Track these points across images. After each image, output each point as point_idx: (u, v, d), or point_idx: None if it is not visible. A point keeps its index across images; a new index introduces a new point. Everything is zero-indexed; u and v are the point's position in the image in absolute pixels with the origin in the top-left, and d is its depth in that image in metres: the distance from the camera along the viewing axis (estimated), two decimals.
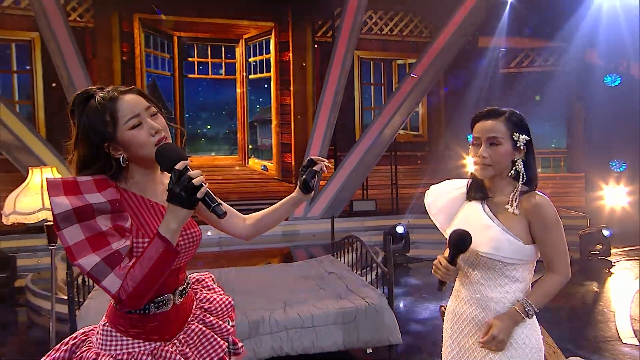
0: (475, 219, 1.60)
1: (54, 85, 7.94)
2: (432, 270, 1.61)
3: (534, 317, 1.58)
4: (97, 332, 1.43)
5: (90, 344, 1.42)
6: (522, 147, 1.56)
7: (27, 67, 8.43)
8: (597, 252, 6.64)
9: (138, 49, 9.14)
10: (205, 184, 1.23)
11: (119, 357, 1.35)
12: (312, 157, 1.60)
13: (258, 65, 9.94)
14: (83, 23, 8.70)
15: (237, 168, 9.96)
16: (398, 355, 3.56)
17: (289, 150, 9.83)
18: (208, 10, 9.14)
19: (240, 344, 1.65)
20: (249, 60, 9.92)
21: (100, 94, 1.33)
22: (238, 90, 9.94)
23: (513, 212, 1.55)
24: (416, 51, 8.89)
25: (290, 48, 9.66)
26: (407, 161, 9.17)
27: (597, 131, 8.29)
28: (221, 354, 1.50)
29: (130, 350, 1.37)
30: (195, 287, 1.64)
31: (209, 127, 9.99)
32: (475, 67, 8.93)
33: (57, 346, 1.44)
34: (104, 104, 1.31)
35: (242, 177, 9.90)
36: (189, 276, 1.65)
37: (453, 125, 9.21)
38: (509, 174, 1.58)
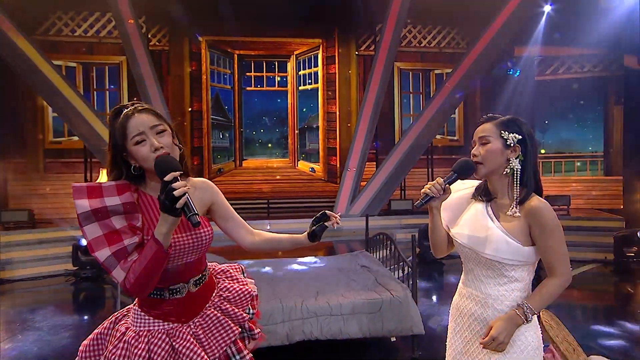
0: (478, 220, 1.53)
1: (135, 99, 8.44)
2: (426, 187, 1.54)
3: (534, 317, 1.51)
4: (131, 311, 1.53)
5: (126, 319, 1.52)
6: (512, 145, 1.47)
7: (116, 86, 9.07)
8: (632, 254, 6.16)
9: (204, 66, 9.52)
10: (186, 195, 1.24)
11: (141, 332, 1.44)
12: (327, 211, 1.59)
13: (307, 77, 10.06)
14: (160, 46, 9.20)
15: (288, 170, 10.11)
16: (421, 345, 3.50)
17: (334, 154, 9.87)
18: (264, 31, 9.36)
19: (257, 330, 1.65)
20: (299, 73, 10.05)
21: (125, 111, 1.39)
22: (289, 100, 10.10)
23: (513, 215, 1.47)
24: (452, 61, 8.63)
25: (336, 61, 9.70)
26: (444, 164, 8.93)
27: (636, 135, 7.65)
28: (233, 339, 1.51)
29: (149, 327, 1.44)
30: (219, 277, 1.66)
31: (263, 132, 10.23)
32: (510, 74, 8.53)
33: (107, 319, 1.56)
34: (122, 120, 1.37)
35: (292, 177, 10.04)
36: (213, 267, 1.69)
37: None
38: (504, 172, 1.50)
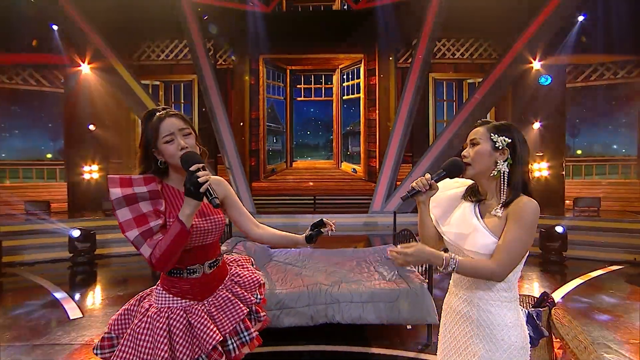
0: (465, 219, 1.41)
1: (203, 109, 8.92)
2: (414, 182, 1.42)
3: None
4: (153, 291, 1.55)
5: (149, 298, 1.55)
6: (500, 147, 1.34)
7: (189, 99, 9.58)
8: None
9: (261, 80, 9.79)
10: (208, 182, 1.30)
11: (162, 308, 1.46)
12: (324, 219, 1.57)
13: (350, 88, 10.01)
14: (226, 65, 9.59)
15: (332, 170, 10.14)
16: (434, 333, 3.37)
17: (374, 156, 9.75)
18: (313, 48, 9.47)
19: (263, 314, 1.66)
20: (343, 84, 10.03)
21: (157, 114, 1.45)
22: (334, 109, 10.12)
23: (497, 216, 1.34)
24: (484, 71, 8.19)
25: (376, 74, 9.56)
26: None
27: None
28: (242, 317, 1.53)
29: (169, 304, 1.48)
30: (231, 264, 1.68)
31: (311, 136, 10.33)
32: (541, 82, 7.91)
33: (133, 297, 1.58)
34: (154, 122, 1.43)
35: (336, 177, 10.07)
36: (226, 257, 1.70)
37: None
38: (492, 174, 1.36)
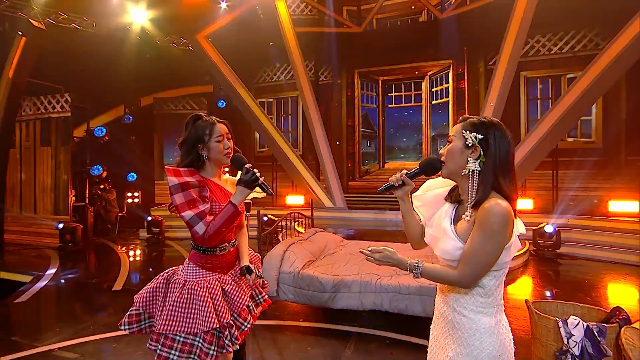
0: (439, 221, 1.27)
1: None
2: (392, 176, 1.35)
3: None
4: (183, 268, 1.61)
5: (178, 276, 1.61)
6: (470, 145, 1.16)
7: (294, 112, 10.40)
8: None
9: (356, 91, 9.99)
10: (261, 176, 1.47)
11: (199, 281, 1.55)
12: (250, 266, 1.64)
13: (439, 93, 9.46)
14: (326, 81, 10.08)
15: None
16: None
17: None
18: (402, 59, 9.26)
19: (264, 295, 1.81)
20: (432, 90, 9.55)
21: (204, 118, 1.59)
22: (423, 113, 9.71)
23: (467, 219, 1.18)
24: (587, 64, 6.81)
25: (465, 77, 8.83)
26: (576, 167, 7.16)
27: None
28: (257, 283, 1.72)
29: (205, 277, 1.57)
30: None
31: (401, 140, 10.12)
32: None
33: (160, 275, 1.63)
34: (206, 125, 1.56)
35: (425, 177, 9.63)
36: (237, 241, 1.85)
37: (636, 133, 6.68)
38: (463, 173, 1.19)
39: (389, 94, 9.99)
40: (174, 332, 1.46)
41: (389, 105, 10.04)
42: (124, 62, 8.00)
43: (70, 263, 5.95)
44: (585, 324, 2.33)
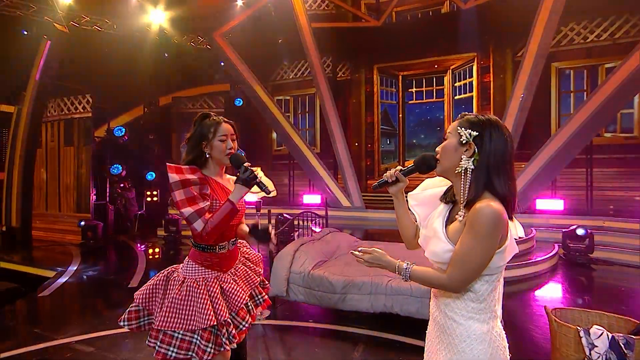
0: (432, 221, 1.24)
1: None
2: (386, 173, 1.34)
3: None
4: (182, 266, 1.63)
5: (178, 273, 1.63)
6: (465, 142, 1.12)
7: (312, 109, 10.28)
8: None
9: (375, 87, 9.77)
10: (258, 175, 1.50)
11: (197, 279, 1.58)
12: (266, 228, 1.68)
13: (462, 87, 9.09)
14: (344, 77, 9.93)
15: None
16: None
17: None
18: (424, 53, 8.97)
19: (264, 295, 1.80)
20: (455, 85, 9.18)
21: (211, 117, 1.63)
22: (445, 109, 9.36)
23: (459, 220, 1.14)
24: (628, 52, 6.30)
25: (491, 71, 8.42)
26: (614, 164, 6.65)
27: None
28: (256, 284, 1.72)
29: (204, 275, 1.60)
30: (240, 246, 1.83)
31: (422, 137, 9.80)
32: None
33: (160, 273, 1.65)
34: (212, 123, 1.60)
35: None
36: (237, 240, 1.85)
37: None
38: (456, 171, 1.15)
39: (409, 90, 9.70)
40: (172, 329, 1.49)
41: (409, 102, 9.75)
42: (142, 62, 8.16)
43: (91, 260, 6.12)
44: (610, 335, 2.13)
